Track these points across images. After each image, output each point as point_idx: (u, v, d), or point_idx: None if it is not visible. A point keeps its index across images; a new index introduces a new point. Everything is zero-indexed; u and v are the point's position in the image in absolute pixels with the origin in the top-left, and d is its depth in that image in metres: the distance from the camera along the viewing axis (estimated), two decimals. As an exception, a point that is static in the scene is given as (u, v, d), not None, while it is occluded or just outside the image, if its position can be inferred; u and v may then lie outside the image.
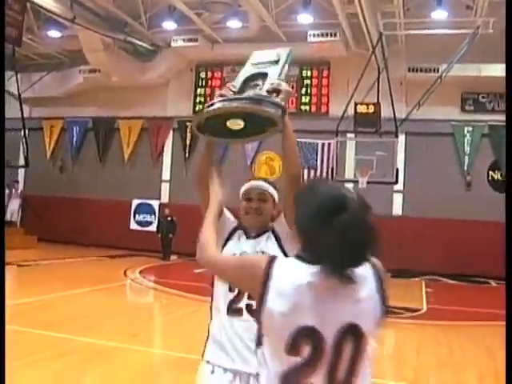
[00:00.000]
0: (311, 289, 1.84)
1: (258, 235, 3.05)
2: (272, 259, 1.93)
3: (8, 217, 21.91)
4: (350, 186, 19.96)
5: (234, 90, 2.69)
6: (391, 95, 16.65)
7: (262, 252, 2.93)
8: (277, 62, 2.84)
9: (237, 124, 2.59)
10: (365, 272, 1.92)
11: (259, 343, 1.94)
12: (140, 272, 15.43)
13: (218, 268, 2.17)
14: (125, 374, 6.23)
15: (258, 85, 2.72)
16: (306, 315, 1.83)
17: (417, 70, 19.32)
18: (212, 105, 2.58)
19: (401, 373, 7.07)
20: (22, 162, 21.63)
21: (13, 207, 22.12)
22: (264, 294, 1.86)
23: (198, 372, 3.00)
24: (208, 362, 2.96)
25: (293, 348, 1.83)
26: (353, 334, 1.87)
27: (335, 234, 1.82)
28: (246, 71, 2.84)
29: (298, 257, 1.93)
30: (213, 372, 2.91)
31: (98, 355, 7.03)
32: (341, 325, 1.85)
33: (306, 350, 1.83)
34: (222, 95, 2.63)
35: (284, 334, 1.83)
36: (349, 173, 19.29)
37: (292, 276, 1.86)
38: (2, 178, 14.53)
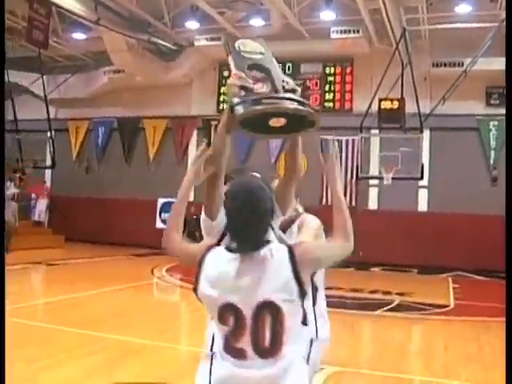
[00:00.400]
0: (230, 272, 2.24)
1: None
2: (208, 248, 2.34)
3: (36, 217, 22.23)
4: (375, 182, 20.00)
5: (247, 84, 2.74)
6: (415, 91, 16.56)
7: None
8: (262, 53, 2.96)
9: (279, 122, 2.68)
10: (278, 254, 2.23)
11: None
12: (167, 270, 15.55)
13: (179, 255, 2.56)
14: (156, 371, 6.32)
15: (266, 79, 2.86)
16: (228, 294, 2.23)
17: (441, 65, 19.19)
18: (256, 101, 2.63)
19: (430, 368, 7.06)
20: (48, 162, 21.92)
21: (40, 208, 22.40)
22: (197, 278, 2.33)
23: None
24: None
25: (221, 319, 2.26)
26: (269, 308, 2.20)
27: (229, 219, 2.29)
28: (245, 59, 2.90)
29: (226, 246, 2.33)
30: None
31: (129, 353, 7.14)
32: (256, 301, 2.20)
33: (231, 322, 2.23)
34: (244, 87, 2.71)
35: (214, 309, 2.28)
36: (373, 169, 19.27)
37: (217, 263, 2.28)
38: (2, 178, 14.65)
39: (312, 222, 3.62)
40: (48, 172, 24.14)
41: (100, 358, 6.80)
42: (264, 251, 2.24)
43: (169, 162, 22.51)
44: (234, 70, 2.81)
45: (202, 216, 2.88)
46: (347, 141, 20.36)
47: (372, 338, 9.50)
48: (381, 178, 17.59)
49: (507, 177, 3.09)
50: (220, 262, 2.28)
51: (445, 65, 19.20)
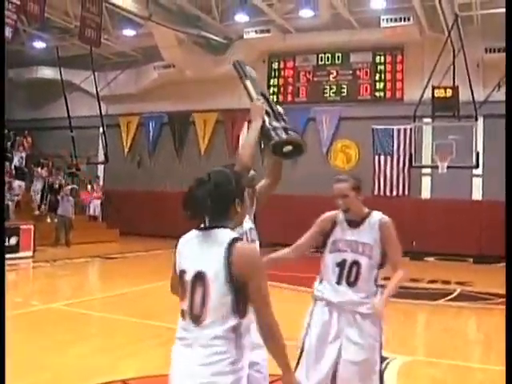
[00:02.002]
0: (186, 245, 2.66)
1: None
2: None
3: (91, 212, 22.66)
4: (427, 171, 19.80)
5: (268, 108, 3.57)
6: (469, 78, 16.33)
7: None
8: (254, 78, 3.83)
9: (287, 148, 3.54)
10: (224, 240, 2.54)
11: None
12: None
13: None
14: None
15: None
16: (182, 263, 2.62)
17: (494, 51, 18.79)
18: (285, 130, 3.49)
19: (491, 357, 7.02)
20: (101, 158, 22.33)
21: (95, 202, 22.82)
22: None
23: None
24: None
25: (179, 282, 2.63)
26: (201, 278, 2.52)
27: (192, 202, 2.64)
28: (257, 86, 3.78)
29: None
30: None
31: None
32: (195, 270, 2.54)
33: (182, 284, 2.59)
34: (267, 112, 3.51)
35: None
36: (426, 158, 19.07)
37: (184, 239, 2.71)
38: (2, 177, 14.98)
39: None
40: (101, 167, 24.60)
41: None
42: (215, 232, 2.59)
43: (220, 155, 22.63)
44: (255, 95, 3.58)
45: None
46: (399, 130, 20.19)
47: (439, 328, 9.45)
48: (435, 167, 17.42)
49: (507, 173, 3.11)
50: (187, 237, 2.71)
51: (498, 50, 18.79)
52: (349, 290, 3.74)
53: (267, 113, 3.48)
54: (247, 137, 3.43)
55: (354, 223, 3.82)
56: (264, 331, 2.53)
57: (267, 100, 3.58)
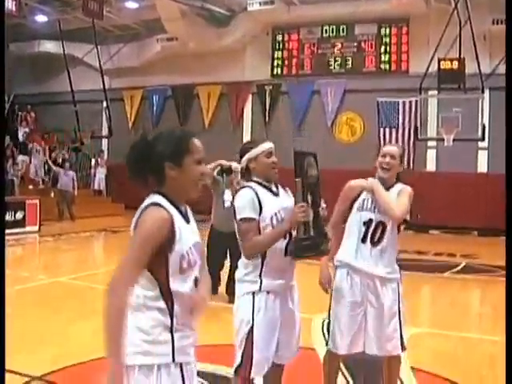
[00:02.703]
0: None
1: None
2: None
3: (96, 186, 22.69)
4: (432, 144, 19.71)
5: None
6: (475, 50, 16.16)
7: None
8: None
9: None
10: (142, 206, 2.43)
11: None
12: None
13: None
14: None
15: None
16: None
17: (502, 22, 18.51)
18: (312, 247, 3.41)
19: (496, 329, 7.04)
20: (105, 132, 22.30)
21: (99, 176, 22.83)
22: None
23: None
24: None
25: None
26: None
27: None
28: (312, 188, 3.53)
29: None
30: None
31: (209, 315, 7.25)
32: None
33: None
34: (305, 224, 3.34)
35: None
36: (431, 131, 18.97)
37: None
38: (2, 175, 14.94)
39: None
40: (105, 141, 24.55)
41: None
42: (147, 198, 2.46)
43: (224, 128, 22.56)
44: (301, 199, 3.37)
45: None
46: (404, 103, 20.05)
47: (446, 300, 9.49)
48: (441, 140, 17.34)
49: (507, 170, 3.09)
50: None
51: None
52: (372, 249, 3.83)
53: (304, 223, 3.30)
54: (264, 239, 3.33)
55: (384, 186, 3.96)
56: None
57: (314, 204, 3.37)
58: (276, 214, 3.35)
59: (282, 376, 3.75)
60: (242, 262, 3.50)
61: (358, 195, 3.96)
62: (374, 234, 3.83)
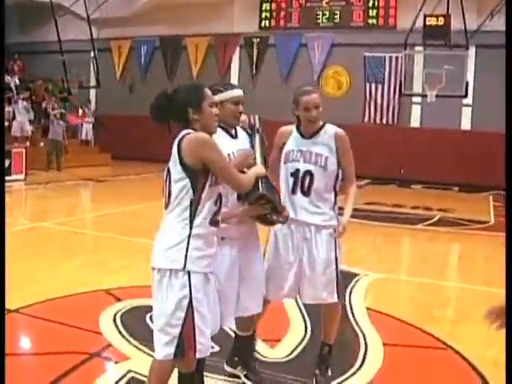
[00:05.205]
0: None
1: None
2: None
3: (83, 136, 22.72)
4: (417, 100, 19.86)
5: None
6: (462, 5, 16.19)
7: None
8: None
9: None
10: (178, 137, 2.95)
11: None
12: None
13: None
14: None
15: None
16: None
17: (491, -22, 18.54)
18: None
19: (470, 277, 7.39)
20: (93, 82, 22.25)
21: (87, 126, 22.82)
22: None
23: None
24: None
25: None
26: (168, 172, 2.98)
27: None
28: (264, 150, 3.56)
29: None
30: None
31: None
32: (167, 167, 3.00)
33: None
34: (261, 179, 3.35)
35: None
36: (416, 87, 19.13)
37: None
38: (2, 172, 14.94)
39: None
40: (93, 92, 24.50)
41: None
42: (179, 134, 2.97)
43: (212, 80, 22.22)
44: (259, 160, 3.41)
45: None
46: (390, 58, 20.14)
47: (413, 250, 9.85)
48: (424, 96, 17.51)
49: (507, 166, 3.25)
50: None
51: (495, -23, 18.55)
52: (304, 199, 3.76)
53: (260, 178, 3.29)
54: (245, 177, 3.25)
55: (308, 134, 3.82)
56: (242, 189, 3.14)
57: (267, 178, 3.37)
58: (229, 155, 3.32)
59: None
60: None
61: (286, 142, 3.87)
62: (302, 183, 3.76)
